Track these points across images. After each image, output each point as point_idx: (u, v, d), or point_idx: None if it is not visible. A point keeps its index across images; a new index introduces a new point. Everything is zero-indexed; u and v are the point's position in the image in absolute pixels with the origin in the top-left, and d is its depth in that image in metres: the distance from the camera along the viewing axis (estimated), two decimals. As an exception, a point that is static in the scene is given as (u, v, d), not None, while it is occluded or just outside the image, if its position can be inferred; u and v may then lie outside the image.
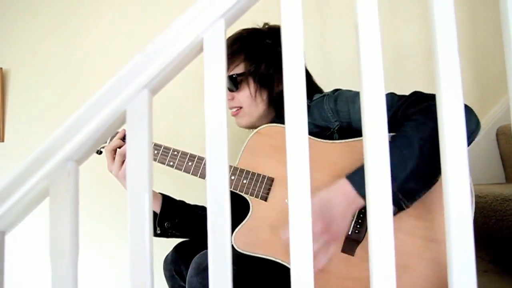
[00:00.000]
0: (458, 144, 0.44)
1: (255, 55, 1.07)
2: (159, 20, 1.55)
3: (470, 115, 0.80)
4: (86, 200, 1.39)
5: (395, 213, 0.80)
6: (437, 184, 0.81)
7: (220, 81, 0.46)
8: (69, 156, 0.48)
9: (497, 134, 1.48)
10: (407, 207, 0.79)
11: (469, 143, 0.81)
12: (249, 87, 1.07)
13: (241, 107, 1.10)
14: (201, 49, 0.47)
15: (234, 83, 1.07)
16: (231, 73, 1.08)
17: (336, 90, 1.05)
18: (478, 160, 1.47)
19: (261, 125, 1.00)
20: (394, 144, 0.81)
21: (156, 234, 1.10)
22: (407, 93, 0.94)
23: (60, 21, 1.67)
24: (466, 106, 0.80)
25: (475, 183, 1.43)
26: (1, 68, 1.66)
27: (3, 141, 1.64)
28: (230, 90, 1.09)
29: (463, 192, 0.44)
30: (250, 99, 1.08)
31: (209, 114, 0.46)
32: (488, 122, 1.50)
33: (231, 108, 1.12)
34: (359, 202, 0.78)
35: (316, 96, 1.06)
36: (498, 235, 1.02)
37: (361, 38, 0.46)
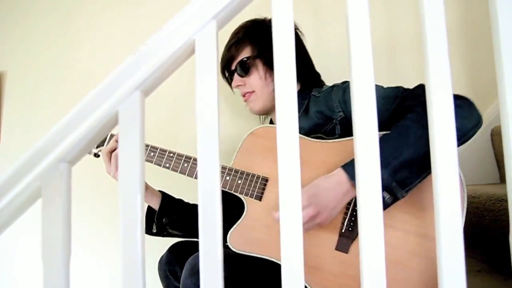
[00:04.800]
0: (448, 141, 0.45)
1: (259, 39, 1.11)
2: (155, 23, 1.55)
3: (470, 109, 0.81)
4: (78, 201, 1.39)
5: (391, 203, 0.81)
6: (429, 181, 0.82)
7: (211, 82, 0.46)
8: (62, 157, 0.48)
9: (491, 135, 1.48)
10: (403, 196, 0.80)
11: (469, 137, 0.82)
12: (258, 70, 1.11)
13: (253, 91, 1.13)
14: (193, 51, 0.47)
15: (244, 68, 1.11)
16: (240, 59, 1.11)
17: (345, 81, 1.07)
18: (472, 160, 1.47)
19: (272, 109, 1.04)
20: (391, 134, 0.83)
21: (152, 233, 1.11)
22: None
23: (56, 24, 1.67)
24: (467, 100, 0.81)
25: (470, 183, 1.43)
26: (-3, 69, 1.65)
27: (-1, 142, 1.64)
28: (240, 75, 1.12)
29: (452, 189, 0.44)
30: (261, 81, 1.11)
31: (201, 115, 0.46)
32: (483, 123, 1.51)
33: (243, 94, 1.15)
34: (354, 192, 0.80)
35: (326, 87, 1.10)
36: (491, 235, 1.02)
37: (351, 32, 0.46)
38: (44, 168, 0.48)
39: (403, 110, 0.88)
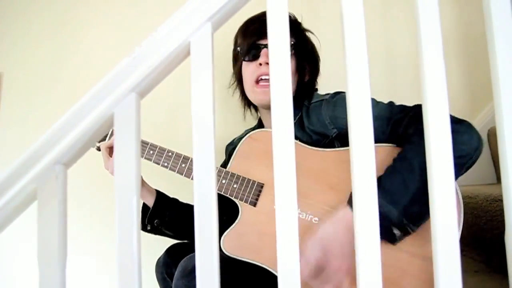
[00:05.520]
0: (444, 154, 0.45)
1: (298, 36, 1.06)
2: (150, 25, 1.56)
3: (469, 133, 0.78)
4: (74, 202, 1.39)
5: (402, 237, 0.79)
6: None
7: (207, 84, 0.46)
8: (57, 159, 0.48)
9: (488, 135, 1.49)
10: (413, 231, 0.78)
11: (474, 161, 0.80)
12: (291, 59, 1.03)
13: None
14: (188, 53, 0.47)
15: None
16: None
17: (336, 93, 1.02)
18: (469, 161, 1.48)
19: None
20: (394, 169, 0.80)
21: (146, 230, 1.11)
22: (398, 99, 0.94)
23: (53, 25, 1.67)
24: (465, 124, 0.79)
25: (467, 184, 1.44)
26: (-6, 71, 1.65)
27: (-5, 144, 1.63)
28: None
29: (449, 205, 0.44)
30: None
31: (197, 117, 0.46)
32: (479, 123, 1.51)
33: (263, 75, 1.03)
34: None
35: (315, 99, 1.04)
36: (488, 235, 1.03)
37: (347, 42, 0.46)
38: (40, 170, 0.48)
39: (400, 138, 0.86)
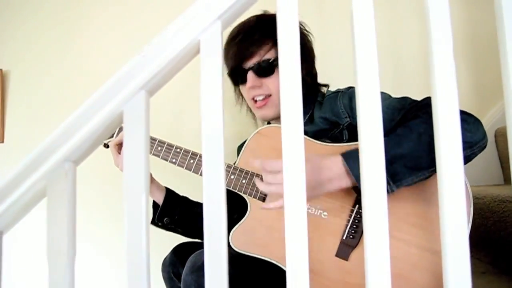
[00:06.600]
0: (454, 150, 0.44)
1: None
2: (157, 21, 1.56)
3: (476, 125, 0.79)
4: (83, 199, 1.39)
5: None
6: (435, 193, 0.82)
7: (216, 82, 0.46)
8: (67, 157, 0.48)
9: (495, 136, 1.48)
10: (392, 190, 0.76)
11: (474, 153, 0.80)
12: (278, 73, 1.02)
13: (269, 95, 1.03)
14: (197, 51, 0.47)
15: (267, 68, 1.01)
16: (265, 58, 1.01)
17: (351, 87, 1.04)
18: (476, 162, 1.45)
19: None
20: (394, 132, 0.81)
21: (156, 224, 1.12)
22: (406, 95, 0.95)
23: (59, 23, 1.68)
24: (473, 117, 0.80)
25: (474, 185, 1.43)
26: (1, 70, 1.66)
27: (2, 142, 1.64)
28: (261, 76, 1.02)
29: (458, 200, 0.44)
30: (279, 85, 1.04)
31: (206, 115, 0.46)
32: (486, 124, 1.50)
33: (256, 96, 1.04)
34: (347, 181, 0.77)
35: (329, 91, 1.07)
36: (496, 236, 1.02)
37: (357, 36, 0.46)
38: (49, 167, 0.48)
39: (407, 119, 0.87)
